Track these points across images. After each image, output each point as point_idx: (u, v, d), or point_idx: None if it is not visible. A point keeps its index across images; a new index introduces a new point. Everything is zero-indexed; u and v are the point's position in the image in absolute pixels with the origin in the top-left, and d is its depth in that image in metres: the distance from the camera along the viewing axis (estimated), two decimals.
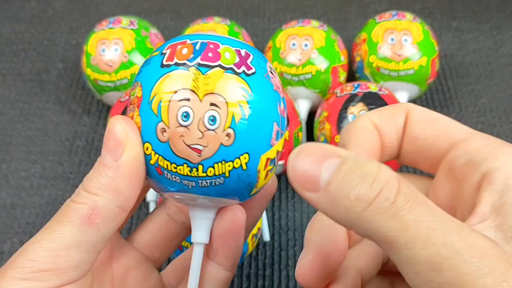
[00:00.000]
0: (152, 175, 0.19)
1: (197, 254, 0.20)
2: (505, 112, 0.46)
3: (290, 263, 0.37)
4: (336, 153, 0.16)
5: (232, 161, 0.18)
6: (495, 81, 0.49)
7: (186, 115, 0.18)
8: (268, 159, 0.19)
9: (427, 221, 0.14)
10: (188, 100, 0.17)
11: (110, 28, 0.43)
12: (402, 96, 0.43)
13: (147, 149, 0.18)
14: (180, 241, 0.24)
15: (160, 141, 0.18)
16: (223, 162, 0.18)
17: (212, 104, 0.17)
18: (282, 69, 0.42)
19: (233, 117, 0.18)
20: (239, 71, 0.18)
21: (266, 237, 0.37)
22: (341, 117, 0.37)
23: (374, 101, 0.37)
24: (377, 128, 0.20)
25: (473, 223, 0.16)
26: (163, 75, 0.18)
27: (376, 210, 0.14)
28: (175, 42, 0.19)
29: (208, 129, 0.18)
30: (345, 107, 0.38)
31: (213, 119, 0.18)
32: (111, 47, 0.42)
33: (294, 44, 0.42)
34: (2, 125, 0.46)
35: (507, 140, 0.46)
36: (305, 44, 0.42)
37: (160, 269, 0.24)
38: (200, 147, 0.18)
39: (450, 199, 0.19)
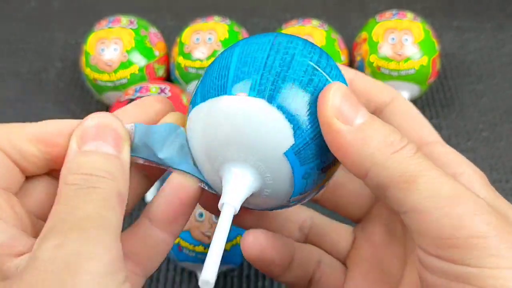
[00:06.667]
0: None
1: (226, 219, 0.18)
2: (506, 112, 0.46)
3: None
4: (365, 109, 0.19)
5: None
6: (496, 80, 0.48)
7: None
8: None
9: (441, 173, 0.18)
10: None
11: (109, 27, 0.43)
12: (403, 95, 0.43)
13: None
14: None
15: None
16: None
17: None
18: None
19: None
20: None
21: None
22: None
23: None
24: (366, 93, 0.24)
25: None
26: None
27: (404, 154, 0.18)
28: None
29: None
30: None
31: None
32: (111, 46, 0.42)
33: None
34: None
35: (508, 140, 0.45)
36: None
37: None
38: None
39: None
